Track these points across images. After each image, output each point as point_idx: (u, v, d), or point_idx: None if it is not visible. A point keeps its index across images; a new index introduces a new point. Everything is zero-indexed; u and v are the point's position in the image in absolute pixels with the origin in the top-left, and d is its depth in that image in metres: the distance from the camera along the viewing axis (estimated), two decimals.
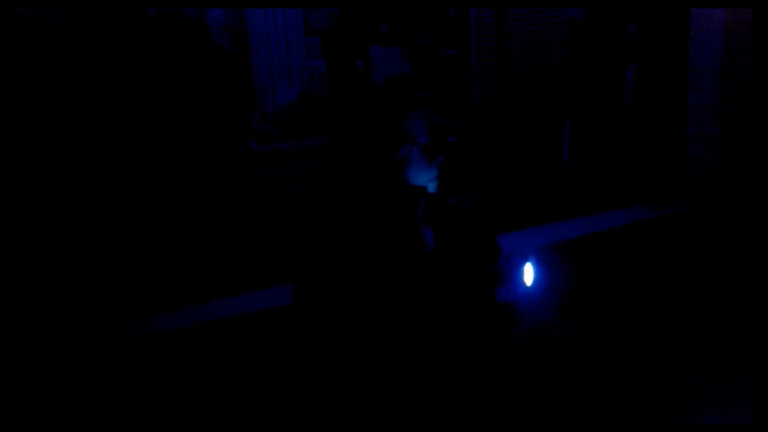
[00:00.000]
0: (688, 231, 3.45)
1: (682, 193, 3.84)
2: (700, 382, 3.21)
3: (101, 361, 3.06)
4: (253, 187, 25.41)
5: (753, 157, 3.27)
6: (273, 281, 3.50)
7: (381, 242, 1.89)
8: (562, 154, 27.73)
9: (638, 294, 3.41)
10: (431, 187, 2.00)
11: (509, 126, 27.71)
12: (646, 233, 3.54)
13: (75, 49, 26.16)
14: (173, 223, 23.40)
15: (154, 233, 22.72)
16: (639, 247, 3.53)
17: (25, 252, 3.21)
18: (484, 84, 29.24)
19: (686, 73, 4.06)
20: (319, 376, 1.94)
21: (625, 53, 27.34)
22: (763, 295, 3.01)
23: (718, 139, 3.71)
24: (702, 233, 3.44)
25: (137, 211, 23.46)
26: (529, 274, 2.03)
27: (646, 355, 3.26)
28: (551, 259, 3.24)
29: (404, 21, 29.25)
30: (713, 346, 3.23)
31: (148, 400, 3.19)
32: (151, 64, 27.06)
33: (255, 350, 3.41)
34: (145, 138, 25.61)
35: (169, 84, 26.87)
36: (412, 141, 1.95)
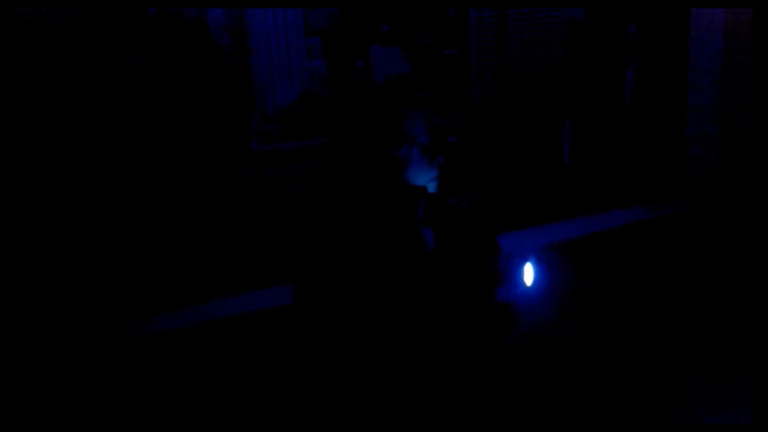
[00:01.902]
0: (688, 231, 3.44)
1: (682, 193, 3.84)
2: (700, 382, 3.21)
3: (101, 360, 3.06)
4: (253, 187, 25.40)
5: (753, 157, 3.27)
6: (273, 281, 3.50)
7: (381, 242, 1.89)
8: (562, 154, 27.72)
9: (638, 294, 3.41)
10: (431, 187, 2.00)
11: (509, 126, 27.71)
12: (646, 233, 3.54)
13: (75, 49, 26.15)
14: (173, 223, 23.40)
15: (155, 233, 22.71)
16: (639, 247, 3.52)
17: (25, 252, 3.21)
18: (484, 84, 29.23)
19: (686, 73, 4.06)
20: (319, 376, 1.94)
21: (625, 53, 27.34)
22: (763, 295, 3.01)
23: (718, 139, 3.71)
24: (702, 233, 3.44)
25: (137, 211, 23.45)
26: (529, 274, 2.03)
27: (646, 355, 3.26)
28: (551, 259, 3.24)
29: (404, 21, 29.23)
30: (713, 346, 3.23)
31: (147, 399, 3.19)
32: (151, 64, 27.05)
33: (255, 350, 3.40)
34: (145, 138, 25.60)
35: (169, 84, 26.85)
36: (412, 141, 1.95)
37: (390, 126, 1.94)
